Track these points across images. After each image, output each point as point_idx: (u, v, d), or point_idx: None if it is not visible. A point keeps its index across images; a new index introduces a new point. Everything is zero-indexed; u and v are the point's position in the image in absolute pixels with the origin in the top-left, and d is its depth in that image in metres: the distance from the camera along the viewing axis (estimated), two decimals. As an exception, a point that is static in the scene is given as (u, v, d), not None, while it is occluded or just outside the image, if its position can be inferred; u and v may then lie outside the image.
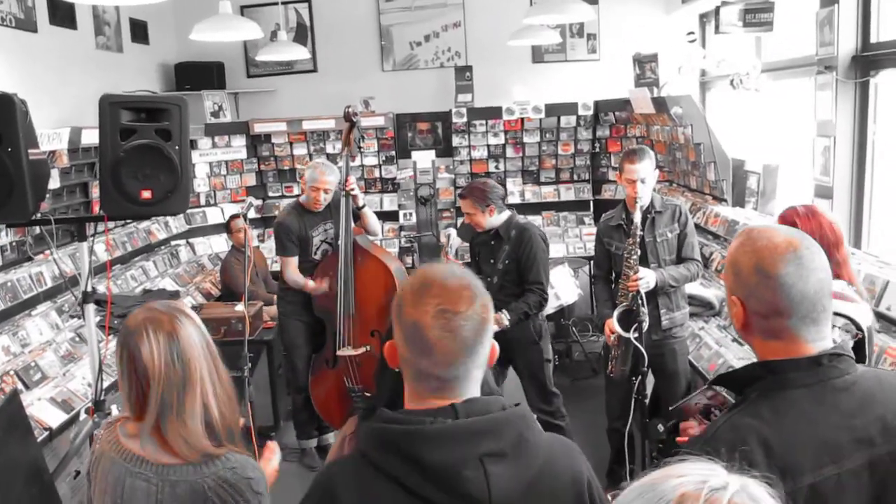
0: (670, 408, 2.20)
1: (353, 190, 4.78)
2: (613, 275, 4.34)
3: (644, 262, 4.09)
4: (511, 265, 4.50)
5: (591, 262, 6.35)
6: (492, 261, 4.57)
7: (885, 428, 1.50)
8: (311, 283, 4.83)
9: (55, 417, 3.71)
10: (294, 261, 4.87)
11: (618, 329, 3.95)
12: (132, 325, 1.96)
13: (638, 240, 4.01)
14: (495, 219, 4.52)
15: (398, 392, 1.57)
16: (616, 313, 3.99)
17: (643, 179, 4.06)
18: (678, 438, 2.07)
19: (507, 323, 4.32)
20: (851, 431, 1.49)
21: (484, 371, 1.53)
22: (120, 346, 1.97)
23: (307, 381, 5.00)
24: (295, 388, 5.12)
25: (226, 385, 2.03)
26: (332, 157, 7.68)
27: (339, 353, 4.74)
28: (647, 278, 3.99)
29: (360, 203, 4.87)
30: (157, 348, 1.91)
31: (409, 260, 7.33)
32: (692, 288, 4.58)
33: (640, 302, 3.91)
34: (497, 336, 4.67)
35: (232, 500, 1.92)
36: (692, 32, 7.00)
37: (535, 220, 7.57)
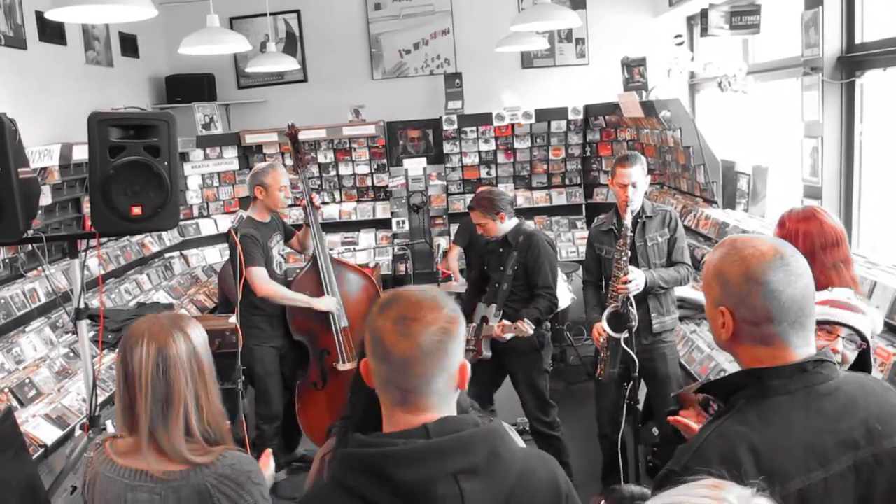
0: (672, 394, 2.21)
1: (318, 205, 4.90)
2: (603, 280, 4.35)
3: (634, 265, 4.10)
4: (520, 271, 4.54)
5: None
6: (501, 268, 4.60)
7: (868, 431, 1.53)
8: (308, 298, 4.73)
9: (50, 434, 3.71)
10: (264, 271, 4.61)
11: (608, 330, 3.96)
12: (133, 332, 2.03)
13: (629, 241, 4.03)
14: (506, 224, 4.58)
15: (371, 412, 1.59)
16: (606, 314, 3.99)
17: (634, 184, 4.08)
18: (674, 419, 2.07)
19: (530, 331, 4.32)
20: (836, 435, 1.52)
21: (454, 388, 1.53)
22: (119, 351, 2.05)
23: (281, 408, 4.87)
24: (266, 419, 4.83)
25: (215, 414, 2.06)
26: (323, 167, 7.73)
27: (341, 368, 4.72)
28: (637, 279, 3.99)
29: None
30: (145, 358, 1.96)
31: (402, 268, 7.34)
32: (683, 291, 4.60)
33: (629, 304, 3.91)
34: (497, 343, 4.62)
35: (235, 494, 1.98)
36: (680, 35, 7.03)
37: (529, 224, 7.59)
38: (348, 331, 4.76)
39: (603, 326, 3.99)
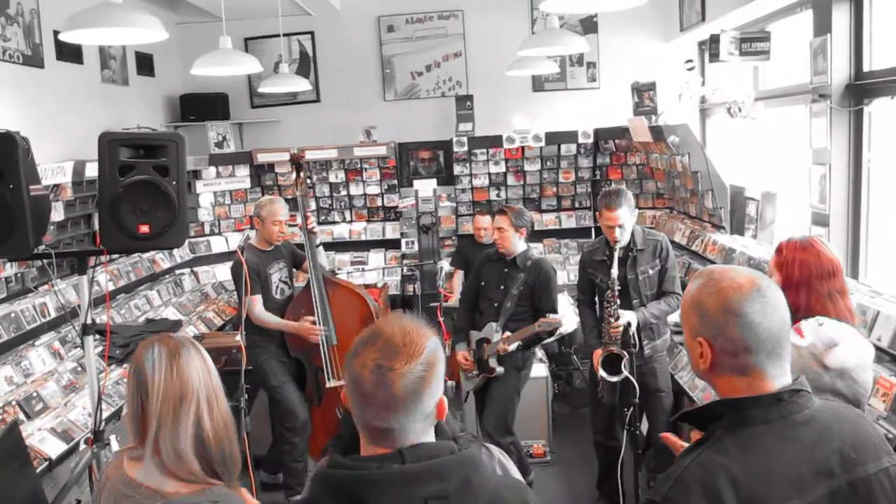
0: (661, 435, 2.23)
1: (313, 228, 4.97)
2: (597, 303, 4.47)
3: (626, 297, 4.22)
4: (525, 291, 4.63)
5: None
6: (502, 287, 4.69)
7: (843, 459, 1.56)
8: (293, 323, 4.84)
9: (55, 448, 3.73)
10: (259, 299, 4.81)
11: (604, 376, 4.08)
12: (143, 344, 2.06)
13: (617, 291, 4.12)
14: (520, 244, 4.68)
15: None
16: (600, 360, 4.10)
17: (621, 225, 4.17)
18: (664, 436, 2.09)
19: (558, 318, 4.43)
20: (812, 464, 1.54)
21: (432, 423, 1.54)
22: (130, 363, 2.07)
23: (307, 413, 4.89)
24: (295, 431, 4.85)
25: (224, 417, 2.05)
26: (334, 186, 7.78)
27: (328, 385, 4.77)
28: (629, 321, 4.12)
29: (317, 242, 5.03)
30: (157, 362, 1.99)
31: (410, 288, 7.36)
32: (677, 316, 4.65)
33: (632, 334, 4.05)
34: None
35: None
36: (691, 60, 7.06)
37: (537, 247, 7.62)
38: (337, 349, 4.81)
39: (600, 374, 4.10)
